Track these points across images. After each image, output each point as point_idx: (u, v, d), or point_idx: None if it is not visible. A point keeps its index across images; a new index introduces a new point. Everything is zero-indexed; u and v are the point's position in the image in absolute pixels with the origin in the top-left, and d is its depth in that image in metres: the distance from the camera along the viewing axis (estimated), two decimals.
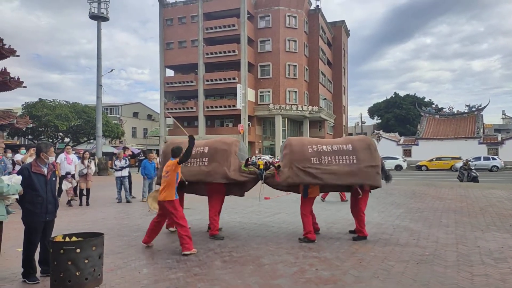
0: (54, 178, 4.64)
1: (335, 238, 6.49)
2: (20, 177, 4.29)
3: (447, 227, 7.38)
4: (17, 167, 9.86)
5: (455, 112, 45.25)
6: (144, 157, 14.63)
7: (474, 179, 18.62)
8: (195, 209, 9.51)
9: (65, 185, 10.52)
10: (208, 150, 6.54)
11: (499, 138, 38.97)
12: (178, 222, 5.51)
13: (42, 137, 36.43)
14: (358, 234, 6.31)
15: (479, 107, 43.67)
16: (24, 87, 23.39)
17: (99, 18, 28.00)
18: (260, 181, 6.48)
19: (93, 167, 11.15)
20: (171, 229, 6.95)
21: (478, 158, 32.15)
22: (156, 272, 4.67)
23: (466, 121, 43.07)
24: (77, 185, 10.95)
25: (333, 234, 6.81)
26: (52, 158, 4.61)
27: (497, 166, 31.33)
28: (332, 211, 9.14)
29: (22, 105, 37.17)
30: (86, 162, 10.87)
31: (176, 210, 5.57)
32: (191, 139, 5.55)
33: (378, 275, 4.50)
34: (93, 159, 11.78)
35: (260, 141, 43.49)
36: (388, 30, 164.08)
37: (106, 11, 28.26)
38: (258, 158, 28.28)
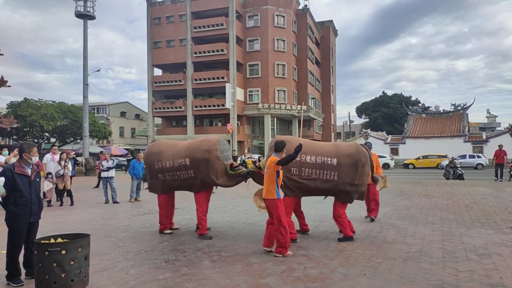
0: (38, 179, 4.56)
1: (323, 236, 6.53)
2: (2, 178, 4.19)
3: (433, 224, 7.49)
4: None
5: (441, 111, 45.91)
6: (132, 157, 14.53)
7: (460, 177, 18.93)
8: (184, 208, 9.47)
9: (47, 185, 10.42)
10: (190, 162, 6.42)
11: (484, 136, 39.70)
12: (276, 221, 5.30)
13: (27, 137, 35.81)
14: (343, 235, 6.28)
15: (465, 106, 44.40)
16: (9, 86, 23.10)
17: (85, 16, 27.60)
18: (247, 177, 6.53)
19: (70, 167, 11.13)
20: (167, 231, 6.91)
21: (464, 156, 32.72)
22: (144, 273, 4.63)
23: (451, 119, 43.76)
24: (56, 186, 10.90)
25: (321, 232, 6.84)
26: (35, 159, 4.52)
27: (482, 164, 31.88)
28: (320, 210, 9.19)
29: (7, 104, 36.47)
30: (63, 162, 10.82)
31: (277, 209, 5.31)
32: (299, 148, 5.08)
33: (366, 273, 4.54)
34: (72, 160, 11.73)
35: (249, 140, 43.51)
36: (375, 31, 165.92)
37: (93, 9, 27.87)
38: (248, 158, 28.29)
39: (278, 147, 5.53)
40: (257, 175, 6.35)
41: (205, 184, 6.51)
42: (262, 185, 6.29)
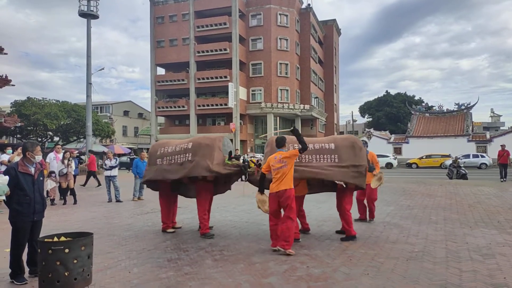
0: (41, 178, 4.58)
1: (326, 236, 6.51)
2: (6, 177, 4.21)
3: (436, 224, 7.46)
4: (3, 168, 9.72)
5: (445, 110, 45.75)
6: (135, 156, 14.61)
7: (463, 177, 18.84)
8: (186, 207, 9.49)
9: (50, 184, 10.46)
10: (191, 145, 6.49)
11: (488, 136, 39.52)
12: (289, 214, 5.40)
13: (31, 136, 35.96)
14: (346, 234, 6.24)
15: (468, 105, 44.23)
16: (12, 85, 23.17)
17: (88, 16, 27.72)
18: (243, 176, 6.48)
19: (73, 166, 11.19)
20: (169, 230, 6.92)
21: (467, 156, 32.54)
22: (147, 272, 4.64)
23: (455, 119, 43.58)
24: (59, 185, 10.95)
25: (324, 232, 6.83)
26: (39, 157, 4.54)
27: (485, 164, 31.71)
28: (323, 209, 9.18)
29: (11, 103, 36.65)
30: (66, 161, 10.87)
31: (293, 198, 5.47)
32: (295, 132, 5.60)
33: (368, 272, 4.52)
34: (76, 158, 11.81)
35: (252, 140, 43.50)
36: (378, 30, 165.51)
37: (96, 9, 28.00)
38: (251, 157, 28.27)
39: (280, 142, 5.66)
40: (253, 177, 6.30)
41: (200, 168, 6.24)
42: (258, 186, 6.22)
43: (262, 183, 5.82)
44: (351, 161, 6.04)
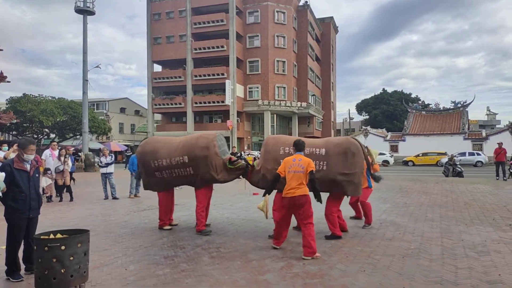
0: (37, 175, 4.55)
1: (323, 233, 6.52)
2: (3, 174, 4.19)
3: (432, 221, 7.50)
4: None
5: (441, 108, 45.89)
6: (131, 153, 14.54)
7: (459, 174, 18.94)
8: (183, 204, 9.48)
9: (45, 181, 10.42)
10: (188, 160, 6.40)
11: (484, 134, 39.70)
12: (309, 220, 5.26)
13: (27, 133, 35.75)
14: (332, 233, 6.18)
15: (464, 104, 44.37)
16: (8, 82, 22.97)
17: (85, 12, 27.50)
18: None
19: (70, 163, 11.20)
20: (166, 227, 6.92)
21: (463, 154, 32.72)
22: (143, 269, 4.64)
23: (451, 117, 43.73)
24: (55, 182, 10.91)
25: (321, 229, 6.84)
26: (30, 157, 4.43)
27: (481, 162, 31.88)
28: (320, 207, 9.17)
29: (6, 100, 36.40)
30: (62, 158, 10.84)
31: (310, 205, 5.31)
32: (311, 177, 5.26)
33: (364, 269, 4.55)
34: (72, 156, 11.80)
35: (249, 137, 43.48)
36: (375, 28, 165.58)
37: (92, 5, 27.78)
38: (248, 154, 28.28)
39: (301, 145, 5.49)
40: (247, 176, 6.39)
41: (205, 181, 6.52)
42: (256, 185, 6.27)
43: (274, 185, 5.56)
44: (340, 169, 5.89)
